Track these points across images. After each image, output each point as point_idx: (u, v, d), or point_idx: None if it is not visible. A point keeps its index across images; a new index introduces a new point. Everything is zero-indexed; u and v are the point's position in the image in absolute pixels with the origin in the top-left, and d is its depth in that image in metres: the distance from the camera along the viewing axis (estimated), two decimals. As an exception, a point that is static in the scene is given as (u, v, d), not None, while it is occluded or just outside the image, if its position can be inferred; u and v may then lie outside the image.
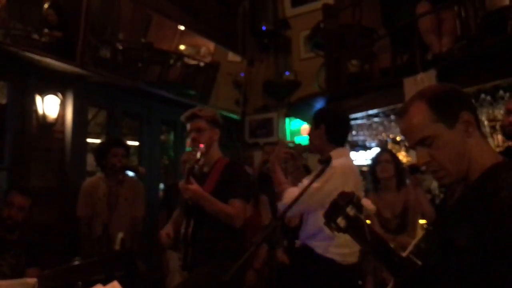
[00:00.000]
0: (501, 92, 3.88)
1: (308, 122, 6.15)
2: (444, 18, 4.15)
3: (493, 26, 3.82)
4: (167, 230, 2.72)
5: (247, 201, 2.74)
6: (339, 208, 1.23)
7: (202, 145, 2.58)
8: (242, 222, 2.61)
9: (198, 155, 2.54)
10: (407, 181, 3.62)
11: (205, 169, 2.80)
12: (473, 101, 3.85)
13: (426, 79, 3.80)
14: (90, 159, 4.69)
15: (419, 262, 1.24)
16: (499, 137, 4.00)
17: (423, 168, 1.40)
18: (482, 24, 4.03)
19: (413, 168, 2.55)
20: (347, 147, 2.84)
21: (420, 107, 1.31)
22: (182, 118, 2.81)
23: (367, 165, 4.31)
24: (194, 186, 2.54)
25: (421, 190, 2.66)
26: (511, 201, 1.13)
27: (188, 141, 2.75)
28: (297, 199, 1.59)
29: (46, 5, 4.60)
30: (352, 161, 2.78)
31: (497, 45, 3.63)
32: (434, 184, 4.04)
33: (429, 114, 1.29)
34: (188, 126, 2.78)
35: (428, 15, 4.10)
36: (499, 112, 3.99)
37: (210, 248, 2.59)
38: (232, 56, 6.90)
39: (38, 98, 4.37)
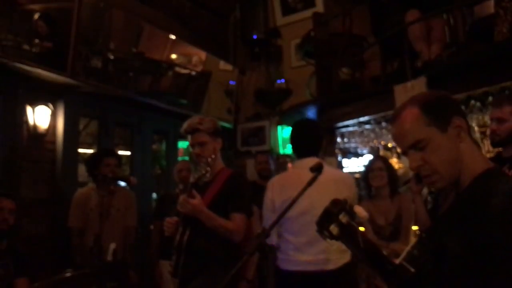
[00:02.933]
0: (490, 98, 3.91)
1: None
2: (433, 26, 4.20)
3: (481, 33, 3.87)
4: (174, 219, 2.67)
5: (248, 215, 2.67)
6: (332, 216, 1.23)
7: (209, 159, 2.55)
8: (242, 237, 2.56)
9: (204, 169, 2.52)
10: (401, 188, 3.63)
11: (208, 179, 2.77)
12: (463, 107, 3.89)
13: (416, 86, 3.83)
14: (82, 169, 4.67)
15: (412, 269, 1.24)
16: (489, 142, 4.03)
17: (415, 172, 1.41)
18: (471, 31, 4.09)
19: (420, 178, 2.55)
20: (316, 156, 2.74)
21: (413, 112, 1.31)
22: (182, 131, 2.76)
23: (360, 172, 4.32)
24: (195, 201, 2.50)
25: (420, 199, 2.67)
26: (502, 208, 1.14)
27: (181, 150, 2.74)
28: (284, 211, 1.59)
29: (36, 16, 4.59)
30: (302, 170, 2.55)
31: (485, 51, 3.68)
32: (425, 190, 4.06)
33: (422, 119, 1.29)
34: (189, 138, 2.74)
35: (417, 23, 4.14)
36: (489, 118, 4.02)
37: (203, 258, 2.56)
38: (224, 65, 6.91)
39: (28, 109, 4.35)
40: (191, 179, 2.56)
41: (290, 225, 2.57)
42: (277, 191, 2.62)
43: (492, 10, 3.73)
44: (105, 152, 4.14)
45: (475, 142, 1.35)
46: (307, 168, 2.46)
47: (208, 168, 2.52)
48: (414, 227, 3.43)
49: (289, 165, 5.14)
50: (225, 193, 2.61)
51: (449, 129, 1.29)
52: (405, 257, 1.28)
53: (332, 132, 5.13)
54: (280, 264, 2.69)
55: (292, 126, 2.96)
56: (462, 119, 1.31)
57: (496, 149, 2.79)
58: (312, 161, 2.42)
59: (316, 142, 2.84)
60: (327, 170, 2.41)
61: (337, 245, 2.23)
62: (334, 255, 2.40)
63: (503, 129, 2.55)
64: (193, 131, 2.70)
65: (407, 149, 1.34)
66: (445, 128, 1.28)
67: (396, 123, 1.36)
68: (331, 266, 2.44)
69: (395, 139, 1.40)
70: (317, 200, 2.27)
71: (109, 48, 5.43)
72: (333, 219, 1.23)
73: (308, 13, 5.92)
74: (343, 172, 2.61)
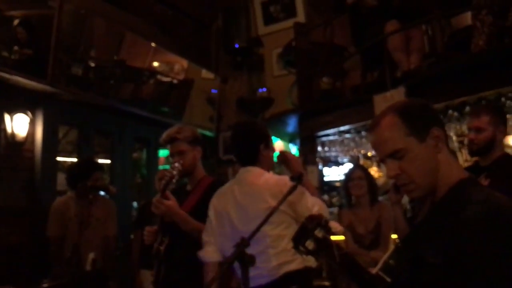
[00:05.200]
0: (468, 108, 3.98)
1: (282, 139, 6.20)
2: (412, 36, 4.27)
3: (459, 44, 3.95)
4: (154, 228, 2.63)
5: None
6: (308, 231, 1.24)
7: (178, 165, 2.54)
8: None
9: (175, 172, 2.50)
10: (380, 198, 3.67)
11: (188, 188, 2.76)
12: (441, 116, 3.95)
13: (395, 96, 3.88)
14: (61, 178, 4.61)
15: (389, 279, 1.25)
16: (467, 152, 4.10)
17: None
18: (449, 42, 4.17)
19: (399, 187, 2.56)
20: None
21: (393, 120, 1.32)
22: (161, 141, 2.73)
23: (340, 181, 4.35)
24: (169, 202, 2.49)
25: (399, 209, 2.69)
26: (476, 218, 1.15)
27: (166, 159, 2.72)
28: (264, 220, 1.59)
29: (16, 22, 4.54)
30: (234, 182, 2.49)
31: (463, 62, 3.75)
32: (405, 199, 4.10)
33: (401, 127, 1.30)
34: (168, 148, 2.71)
35: (397, 33, 4.21)
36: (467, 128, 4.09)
37: (184, 268, 2.55)
38: (206, 73, 6.92)
39: (6, 117, 4.29)
40: (163, 181, 2.53)
41: (226, 239, 2.45)
42: (213, 201, 2.54)
43: (469, 21, 3.82)
44: (93, 165, 4.08)
45: (452, 152, 1.37)
46: (239, 178, 2.42)
47: (175, 172, 2.50)
48: (394, 236, 3.46)
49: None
50: (206, 202, 2.59)
51: (428, 139, 1.30)
52: (382, 267, 1.30)
53: (313, 141, 5.16)
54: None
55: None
56: (440, 130, 1.32)
57: (474, 158, 2.84)
58: (247, 171, 2.38)
59: (248, 152, 2.44)
60: (256, 180, 2.34)
61: (278, 261, 2.19)
62: (271, 271, 2.28)
63: (481, 138, 2.59)
64: (171, 140, 2.68)
65: (385, 157, 1.34)
66: (424, 138, 1.29)
67: (375, 131, 1.36)
68: (265, 280, 2.30)
69: (374, 146, 1.40)
70: (246, 213, 2.25)
71: (90, 56, 5.40)
72: (309, 234, 1.24)
73: (289, 22, 5.97)
74: (275, 180, 2.38)
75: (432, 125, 1.31)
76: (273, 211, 1.59)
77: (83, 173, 3.91)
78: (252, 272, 2.13)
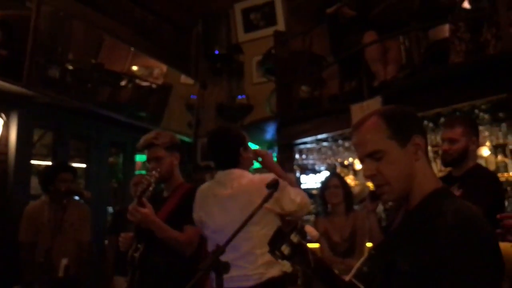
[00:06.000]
0: (442, 119, 4.05)
1: (260, 146, 6.21)
2: (389, 47, 4.34)
3: (435, 55, 4.03)
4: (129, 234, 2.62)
5: None
6: (284, 236, 1.24)
7: (155, 172, 2.52)
8: (194, 249, 2.52)
9: (152, 180, 2.48)
10: (356, 206, 3.70)
11: (165, 194, 2.74)
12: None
13: (372, 106, 3.94)
14: (35, 182, 4.52)
15: (362, 286, 1.26)
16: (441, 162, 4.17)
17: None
18: (425, 53, 4.25)
19: (375, 195, 2.58)
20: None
21: (377, 122, 1.34)
22: (138, 146, 2.71)
23: (317, 189, 4.38)
24: (146, 210, 2.46)
25: (374, 216, 2.72)
26: (449, 228, 1.17)
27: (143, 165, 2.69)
28: (241, 226, 1.59)
29: (-9, 23, 4.47)
30: (214, 183, 2.53)
31: (439, 74, 3.82)
32: (380, 208, 4.15)
33: (384, 130, 1.32)
34: (146, 153, 2.69)
35: (374, 44, 4.27)
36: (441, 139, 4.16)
37: (158, 275, 2.52)
38: (185, 79, 6.90)
39: (-21, 119, 4.20)
40: (140, 188, 2.50)
41: (211, 243, 2.49)
42: (196, 205, 2.56)
43: (446, 34, 3.90)
44: (61, 166, 4.03)
45: (429, 161, 1.39)
46: (220, 180, 2.45)
47: (152, 180, 2.48)
48: (369, 244, 3.50)
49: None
50: (182, 209, 2.57)
51: (408, 146, 1.32)
52: (355, 274, 1.31)
53: (291, 149, 5.19)
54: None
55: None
56: (422, 138, 1.35)
57: (448, 168, 2.89)
58: (230, 173, 2.43)
59: (229, 156, 2.49)
60: (241, 181, 2.40)
61: (263, 260, 2.25)
62: (256, 270, 2.33)
63: (455, 149, 2.64)
64: (148, 146, 2.65)
65: (364, 157, 1.36)
66: (404, 144, 1.32)
67: (358, 130, 1.38)
68: (250, 283, 2.35)
69: (355, 145, 1.42)
70: (233, 215, 2.27)
71: (68, 59, 5.32)
72: (284, 239, 1.24)
73: (270, 30, 6.01)
74: (259, 178, 2.43)
75: (415, 132, 1.34)
76: (251, 217, 1.59)
77: (50, 174, 3.86)
78: (237, 271, 2.17)
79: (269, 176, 2.23)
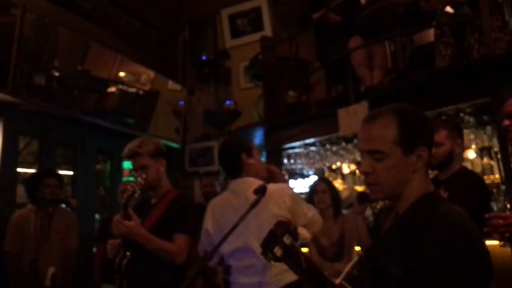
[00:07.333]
0: (428, 123, 4.08)
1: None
2: (375, 52, 4.38)
3: (421, 60, 4.07)
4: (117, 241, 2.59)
5: (193, 237, 2.59)
6: (276, 237, 1.24)
7: (140, 179, 2.49)
8: (184, 259, 2.49)
9: (137, 187, 2.45)
10: (344, 211, 3.71)
11: (153, 201, 2.72)
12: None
13: (358, 110, 3.97)
14: (21, 190, 4.47)
15: (351, 289, 1.27)
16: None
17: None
18: (411, 58, 4.30)
19: (363, 197, 2.59)
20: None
21: (389, 122, 1.32)
22: (123, 156, 2.69)
23: (305, 193, 4.38)
24: (131, 222, 2.42)
25: (362, 220, 2.73)
26: (437, 232, 1.19)
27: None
28: (232, 230, 1.59)
29: (-25, 29, 4.42)
30: (230, 194, 2.57)
31: (424, 78, 3.86)
32: (369, 212, 4.17)
33: (393, 133, 1.31)
34: (131, 162, 2.67)
35: (360, 49, 4.31)
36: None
37: (146, 282, 2.50)
38: (172, 85, 6.88)
39: (-36, 126, 4.14)
40: (124, 197, 2.47)
41: (228, 247, 2.51)
42: (209, 214, 2.57)
43: (431, 38, 3.94)
44: (45, 172, 4.00)
45: (427, 173, 1.38)
46: (234, 190, 2.49)
47: (137, 187, 2.46)
48: (357, 248, 3.51)
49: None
50: (170, 216, 2.55)
51: (411, 155, 1.32)
52: (345, 277, 1.32)
53: (279, 154, 5.20)
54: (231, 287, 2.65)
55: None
56: (427, 151, 1.34)
57: (434, 172, 2.91)
58: (242, 182, 2.45)
59: (231, 163, 2.55)
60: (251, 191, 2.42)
61: (279, 267, 2.27)
62: (271, 277, 2.35)
63: (440, 152, 2.66)
64: (133, 155, 2.63)
65: (365, 152, 1.36)
66: (408, 153, 1.31)
67: (369, 124, 1.36)
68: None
69: (361, 136, 1.39)
70: (250, 221, 2.25)
71: (54, 66, 5.28)
72: (277, 241, 1.24)
73: (256, 36, 6.02)
74: (276, 187, 2.46)
75: (421, 145, 1.33)
76: (240, 220, 1.60)
77: (34, 181, 3.82)
78: (254, 278, 2.21)
79: (283, 186, 2.33)
